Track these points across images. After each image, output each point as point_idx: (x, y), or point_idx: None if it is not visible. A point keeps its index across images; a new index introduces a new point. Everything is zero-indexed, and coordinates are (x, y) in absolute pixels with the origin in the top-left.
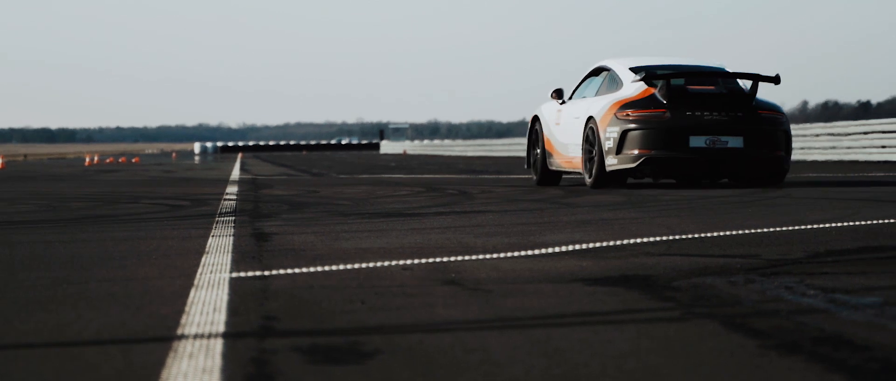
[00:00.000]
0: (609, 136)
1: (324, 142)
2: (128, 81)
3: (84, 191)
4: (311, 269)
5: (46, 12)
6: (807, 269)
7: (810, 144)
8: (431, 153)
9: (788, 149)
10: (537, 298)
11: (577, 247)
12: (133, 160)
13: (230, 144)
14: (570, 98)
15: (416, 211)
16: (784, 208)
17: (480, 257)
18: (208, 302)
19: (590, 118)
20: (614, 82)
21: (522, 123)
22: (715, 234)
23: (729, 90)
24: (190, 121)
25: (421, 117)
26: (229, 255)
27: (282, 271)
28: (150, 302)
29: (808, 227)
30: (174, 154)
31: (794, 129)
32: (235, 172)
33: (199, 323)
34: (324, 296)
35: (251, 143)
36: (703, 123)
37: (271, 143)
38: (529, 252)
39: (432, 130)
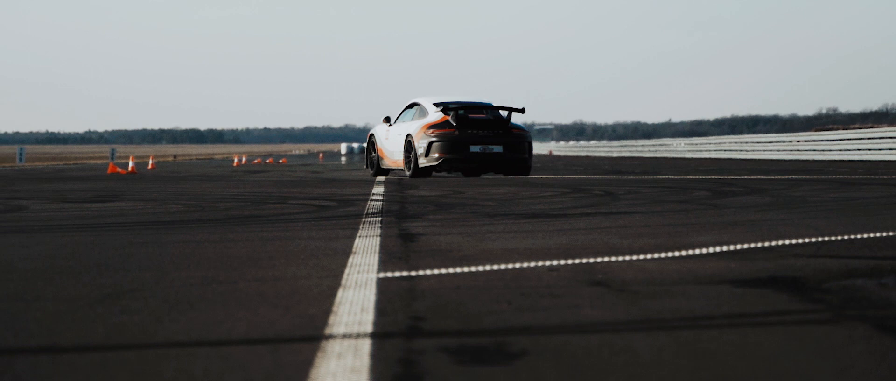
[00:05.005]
0: (421, 145)
1: None
2: (275, 82)
3: (232, 191)
4: (458, 269)
5: (203, 18)
6: None
7: None
8: (577, 154)
9: (531, 153)
10: (684, 299)
11: (725, 248)
12: (280, 161)
13: None
14: (395, 122)
15: (562, 212)
16: None
17: (627, 258)
18: (356, 302)
19: (408, 134)
20: (423, 112)
21: (668, 124)
22: (864, 235)
23: (494, 117)
24: (336, 122)
25: (566, 118)
26: (376, 255)
27: (428, 272)
28: (299, 302)
29: None
30: (321, 155)
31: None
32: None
33: (347, 323)
34: (470, 297)
35: None
36: (478, 138)
37: None
38: (676, 253)
39: (578, 131)
